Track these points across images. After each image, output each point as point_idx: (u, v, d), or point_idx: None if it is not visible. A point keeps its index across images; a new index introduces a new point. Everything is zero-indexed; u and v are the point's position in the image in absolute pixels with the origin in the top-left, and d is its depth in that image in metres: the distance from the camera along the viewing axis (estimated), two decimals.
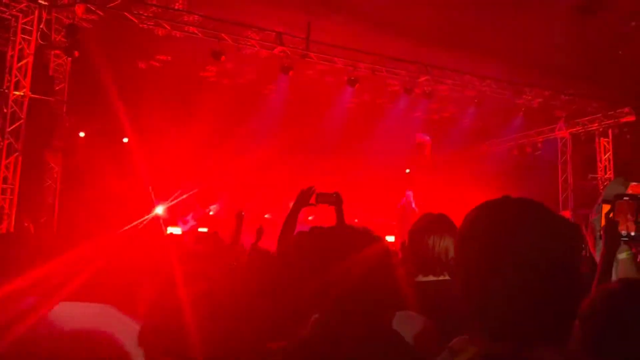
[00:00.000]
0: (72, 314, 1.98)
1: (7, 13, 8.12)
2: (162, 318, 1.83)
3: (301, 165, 14.39)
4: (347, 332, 1.54)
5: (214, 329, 1.96)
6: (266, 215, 13.83)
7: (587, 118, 12.34)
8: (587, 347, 1.32)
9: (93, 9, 8.30)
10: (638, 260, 2.00)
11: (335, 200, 3.26)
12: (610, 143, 12.17)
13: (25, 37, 8.22)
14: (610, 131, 12.09)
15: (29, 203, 8.89)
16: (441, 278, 2.34)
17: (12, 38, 8.28)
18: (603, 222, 1.92)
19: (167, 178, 12.86)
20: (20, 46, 8.21)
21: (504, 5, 8.54)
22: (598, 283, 1.70)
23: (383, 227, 15.26)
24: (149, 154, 12.85)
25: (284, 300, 2.59)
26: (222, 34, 9.19)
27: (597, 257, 1.92)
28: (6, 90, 8.07)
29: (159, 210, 11.42)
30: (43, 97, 8.40)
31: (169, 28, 8.98)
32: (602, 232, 1.82)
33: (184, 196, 11.95)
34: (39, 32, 8.16)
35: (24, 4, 8.04)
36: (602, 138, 12.23)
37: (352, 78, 10.25)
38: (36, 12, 8.12)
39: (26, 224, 8.15)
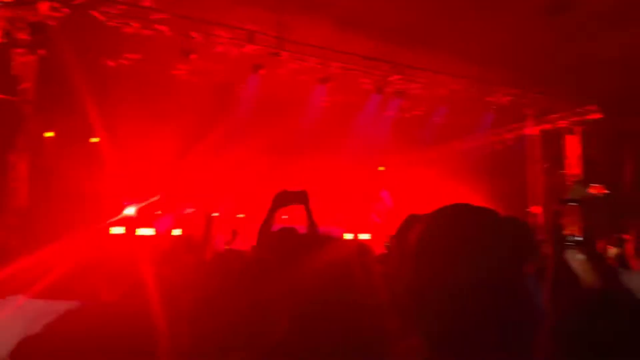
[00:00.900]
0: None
1: None
2: (125, 320, 1.79)
3: (275, 164, 14.36)
4: (319, 337, 1.52)
5: (174, 333, 1.92)
6: (239, 215, 13.75)
7: (555, 115, 12.60)
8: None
9: (57, 6, 8.11)
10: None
11: (302, 198, 3.26)
12: (579, 140, 12.44)
13: None
14: (578, 129, 12.37)
15: None
16: None
17: None
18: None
19: (139, 178, 12.68)
20: None
21: (473, 5, 8.65)
22: (551, 287, 1.72)
23: (358, 225, 15.34)
24: (120, 153, 12.64)
25: (251, 303, 2.57)
26: (192, 32, 9.10)
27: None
28: None
29: (130, 211, 11.24)
30: (6, 97, 8.18)
31: (137, 26, 8.83)
32: (548, 236, 1.84)
33: (156, 197, 11.79)
34: (2, 30, 7.93)
35: None
36: (570, 135, 12.50)
37: (324, 77, 10.27)
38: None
39: None
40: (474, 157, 14.15)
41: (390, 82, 10.81)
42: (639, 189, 10.90)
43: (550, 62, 10.70)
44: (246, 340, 2.16)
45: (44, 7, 8.04)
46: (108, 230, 10.28)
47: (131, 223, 11.32)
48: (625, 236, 3.49)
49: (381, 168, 16.83)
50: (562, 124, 12.48)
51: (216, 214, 13.20)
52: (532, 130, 13.09)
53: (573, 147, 12.46)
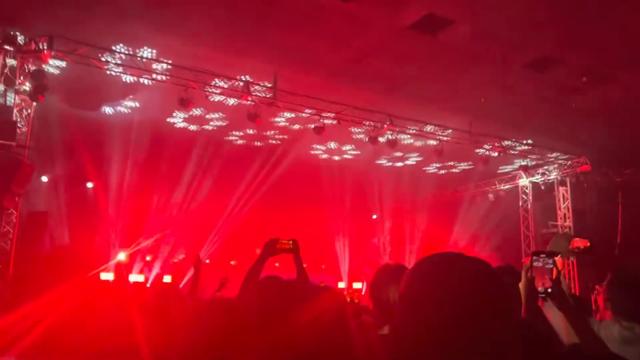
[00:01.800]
0: None
1: None
2: None
3: (269, 212, 14.37)
4: None
5: None
6: (232, 262, 13.66)
7: (546, 167, 12.79)
8: None
9: (60, 55, 8.34)
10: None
11: (293, 248, 3.30)
12: (569, 192, 12.58)
13: None
14: (567, 180, 12.53)
15: None
16: None
17: None
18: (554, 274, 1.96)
19: (131, 224, 12.65)
20: None
21: (463, 60, 8.93)
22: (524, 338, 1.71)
23: (351, 274, 15.22)
24: (113, 199, 12.66)
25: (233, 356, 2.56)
26: (190, 82, 9.31)
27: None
28: None
29: (122, 256, 11.16)
30: (4, 142, 8.26)
31: (136, 75, 9.05)
32: (520, 289, 1.87)
33: (148, 242, 11.73)
34: (2, 77, 8.11)
35: None
36: (560, 187, 12.65)
37: (318, 126, 10.46)
38: (0, 57, 8.10)
39: None
40: (467, 207, 14.25)
41: (383, 132, 11.00)
42: (627, 239, 10.96)
43: (539, 115, 10.96)
44: None
45: (46, 56, 8.26)
46: (99, 276, 10.17)
47: (121, 269, 11.21)
48: (598, 287, 3.52)
49: (375, 216, 16.89)
50: (552, 175, 12.65)
51: (207, 261, 13.13)
52: (522, 181, 13.25)
53: (564, 198, 12.58)
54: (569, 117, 10.97)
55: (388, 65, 9.27)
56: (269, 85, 9.76)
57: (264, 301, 3.22)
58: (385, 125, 10.72)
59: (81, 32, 8.21)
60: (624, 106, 10.25)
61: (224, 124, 11.39)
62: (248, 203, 14.02)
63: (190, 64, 9.14)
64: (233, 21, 8.08)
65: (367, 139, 10.95)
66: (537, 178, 13.08)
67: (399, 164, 13.34)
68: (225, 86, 9.68)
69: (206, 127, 11.57)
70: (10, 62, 8.18)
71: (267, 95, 9.89)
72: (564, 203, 12.53)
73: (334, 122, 10.55)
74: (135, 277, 10.81)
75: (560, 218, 12.46)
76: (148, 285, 10.54)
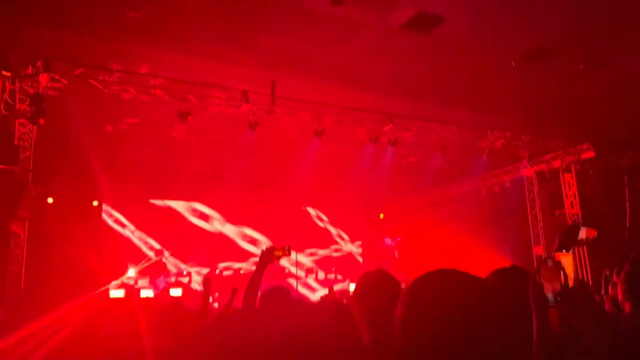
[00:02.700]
0: None
1: None
2: None
3: (276, 218, 14.41)
4: None
5: None
6: (242, 271, 13.70)
7: (549, 155, 12.72)
8: None
9: (57, 77, 8.39)
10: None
11: (288, 252, 3.41)
12: (574, 179, 12.50)
13: None
14: (572, 167, 12.45)
15: None
16: None
17: None
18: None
19: (139, 239, 12.71)
20: None
21: (459, 55, 8.92)
22: (536, 349, 1.68)
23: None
24: (121, 215, 12.73)
25: None
26: (188, 95, 9.35)
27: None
28: None
29: (131, 273, 11.21)
30: (8, 167, 8.32)
31: (134, 92, 9.10)
32: (529, 296, 1.80)
33: (156, 259, 11.78)
34: (2, 103, 8.17)
35: None
36: (565, 174, 12.58)
37: (319, 130, 10.47)
38: None
39: None
40: (474, 200, 14.20)
41: (384, 132, 11.00)
42: (636, 222, 10.90)
43: (539, 104, 10.93)
44: None
45: (44, 79, 8.31)
46: (108, 294, 10.22)
47: (131, 286, 11.28)
48: (615, 279, 3.49)
49: (381, 216, 16.86)
50: (557, 163, 12.58)
51: (216, 272, 13.16)
52: (527, 171, 13.19)
53: (570, 185, 12.52)
54: (570, 104, 10.93)
55: (384, 64, 9.28)
56: (267, 94, 9.79)
57: (268, 313, 3.28)
58: (386, 125, 10.73)
59: (76, 53, 8.28)
60: (622, 90, 10.21)
61: (225, 133, 11.42)
62: (256, 211, 14.06)
63: (187, 77, 9.18)
64: (227, 31, 8.12)
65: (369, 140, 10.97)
66: (542, 167, 13.02)
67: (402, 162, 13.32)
68: (223, 97, 9.71)
69: (207, 138, 11.60)
70: (9, 86, 8.25)
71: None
72: (570, 190, 12.46)
73: (334, 124, 10.57)
74: (145, 293, 10.85)
75: (568, 205, 12.39)
76: (158, 298, 10.58)
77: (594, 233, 3.52)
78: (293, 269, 14.21)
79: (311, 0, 7.24)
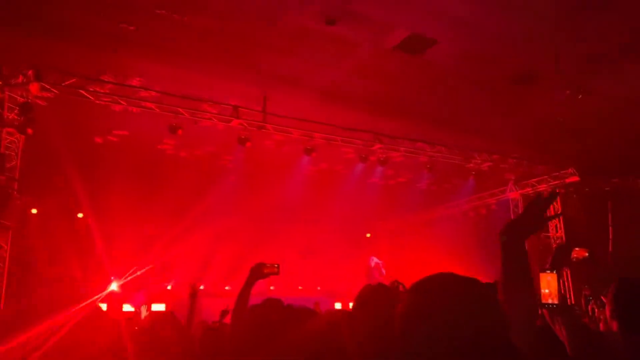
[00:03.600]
0: None
1: None
2: None
3: (263, 234, 14.32)
4: None
5: None
6: (226, 287, 13.55)
7: (535, 179, 12.90)
8: None
9: (47, 87, 8.35)
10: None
11: (277, 271, 3.39)
12: (559, 202, 12.66)
13: None
14: (557, 191, 12.64)
15: None
16: None
17: None
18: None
19: (124, 253, 12.55)
20: None
21: (449, 78, 9.07)
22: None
23: (346, 294, 15.10)
24: (105, 229, 12.57)
25: None
26: (179, 109, 9.34)
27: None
28: None
29: (114, 286, 11.04)
30: None
31: (125, 104, 9.07)
32: None
33: (140, 272, 11.62)
34: None
35: None
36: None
37: (309, 147, 10.52)
38: None
39: None
40: (460, 222, 14.30)
41: (373, 151, 11.08)
42: (619, 247, 11.06)
43: (526, 128, 11.10)
44: None
45: (34, 88, 8.27)
46: (93, 307, 10.02)
47: (114, 299, 11.08)
48: (603, 298, 3.53)
49: (368, 235, 16.87)
50: (542, 187, 12.75)
51: (201, 287, 13.01)
52: (513, 194, 13.34)
53: (554, 209, 12.67)
54: (556, 129, 11.11)
55: (375, 84, 9.38)
56: (259, 110, 9.82)
57: (259, 327, 3.25)
58: (375, 144, 10.81)
59: (68, 63, 8.26)
60: (607, 116, 10.41)
61: (214, 149, 11.40)
62: (242, 227, 13.97)
63: (179, 90, 9.19)
64: (221, 47, 8.17)
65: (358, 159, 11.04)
66: (527, 191, 13.19)
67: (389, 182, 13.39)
68: (214, 111, 9.72)
69: (196, 152, 11.57)
70: None
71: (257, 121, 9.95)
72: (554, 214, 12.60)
73: (324, 142, 10.62)
74: (127, 307, 10.68)
75: (552, 229, 12.53)
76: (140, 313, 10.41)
77: (585, 253, 3.57)
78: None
79: (305, 19, 7.34)
